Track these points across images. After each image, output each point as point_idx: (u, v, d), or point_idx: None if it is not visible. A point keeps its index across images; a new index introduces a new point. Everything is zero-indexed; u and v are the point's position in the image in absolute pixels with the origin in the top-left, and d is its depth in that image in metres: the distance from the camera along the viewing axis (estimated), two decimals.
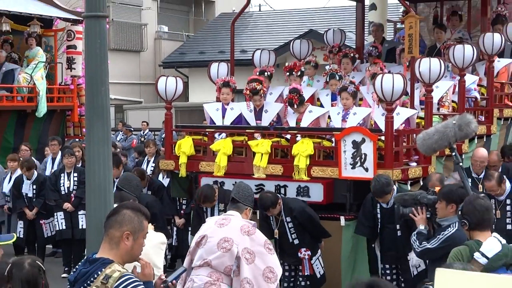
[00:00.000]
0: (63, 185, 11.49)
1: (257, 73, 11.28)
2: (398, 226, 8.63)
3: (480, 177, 9.64)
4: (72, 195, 11.45)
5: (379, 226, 8.85)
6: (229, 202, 6.85)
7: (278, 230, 8.86)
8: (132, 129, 22.11)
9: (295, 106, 10.24)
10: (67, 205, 11.43)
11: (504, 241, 5.57)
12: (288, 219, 8.80)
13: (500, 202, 9.05)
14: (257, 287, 6.20)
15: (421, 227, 6.95)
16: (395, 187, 8.70)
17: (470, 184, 8.20)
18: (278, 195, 9.05)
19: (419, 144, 7.74)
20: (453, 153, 7.52)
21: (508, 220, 8.89)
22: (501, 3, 13.50)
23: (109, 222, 4.31)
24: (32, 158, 12.93)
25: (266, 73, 11.33)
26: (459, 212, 5.74)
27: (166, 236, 10.47)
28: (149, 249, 5.01)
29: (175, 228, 11.21)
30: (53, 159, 13.09)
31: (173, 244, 11.26)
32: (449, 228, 6.52)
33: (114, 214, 4.33)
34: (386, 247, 8.85)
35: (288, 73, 11.46)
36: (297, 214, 8.77)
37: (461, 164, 7.57)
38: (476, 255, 5.34)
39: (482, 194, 6.67)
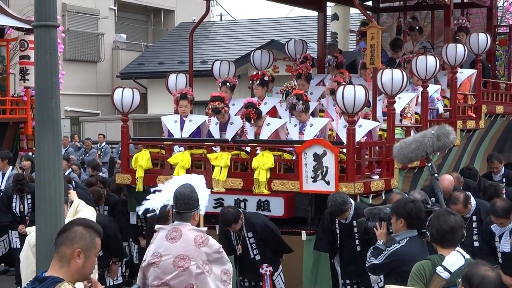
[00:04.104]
0: (16, 208, 11.17)
1: (220, 84, 11.14)
2: (357, 241, 8.59)
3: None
4: (27, 217, 11.12)
5: (338, 241, 8.77)
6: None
7: (241, 245, 8.68)
8: (91, 141, 21.75)
9: (253, 121, 10.10)
10: (21, 228, 11.11)
11: (467, 256, 5.56)
12: (250, 234, 8.68)
13: (466, 220, 8.92)
14: None
15: (379, 242, 6.83)
16: (352, 202, 8.57)
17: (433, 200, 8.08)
18: (240, 210, 8.88)
19: (395, 153, 7.63)
20: (429, 164, 7.46)
21: (474, 237, 8.77)
22: (464, 14, 13.51)
23: (59, 239, 4.19)
24: None
25: (228, 84, 11.19)
26: (427, 223, 5.70)
27: (123, 255, 10.35)
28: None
29: (136, 246, 10.97)
30: (3, 174, 12.74)
31: (134, 261, 11.04)
32: (396, 244, 6.42)
33: (65, 230, 4.21)
34: (345, 262, 8.80)
35: (251, 82, 11.38)
36: (259, 230, 8.65)
37: (436, 175, 7.47)
38: (439, 269, 5.34)
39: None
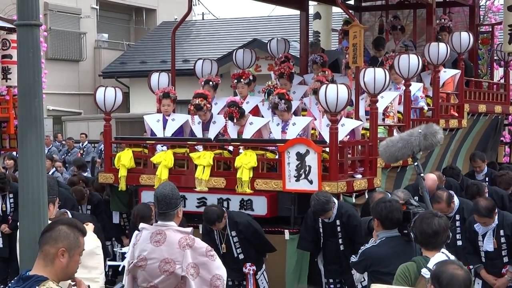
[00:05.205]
0: None
1: (202, 83, 11.13)
2: (340, 240, 8.62)
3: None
4: (9, 217, 11.06)
5: (321, 241, 8.78)
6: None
7: (224, 244, 8.67)
8: (73, 140, 21.65)
9: (235, 120, 10.09)
10: (4, 227, 11.04)
11: (452, 257, 5.51)
12: (233, 233, 8.66)
13: (449, 218, 8.93)
14: None
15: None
16: (336, 201, 8.58)
17: (417, 199, 8.09)
18: (223, 208, 8.87)
19: (381, 151, 7.58)
20: (415, 163, 7.43)
21: (457, 236, 8.78)
22: (446, 13, 13.55)
23: (43, 238, 4.17)
24: None
25: (211, 83, 11.17)
26: (411, 224, 5.66)
27: (106, 255, 10.31)
28: (84, 256, 4.80)
29: (119, 245, 10.95)
30: None
31: (117, 261, 10.98)
32: (367, 244, 6.44)
33: (49, 230, 4.19)
34: (329, 261, 8.83)
35: (236, 81, 11.30)
36: (242, 228, 8.64)
37: (422, 175, 7.45)
38: (423, 271, 5.29)
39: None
